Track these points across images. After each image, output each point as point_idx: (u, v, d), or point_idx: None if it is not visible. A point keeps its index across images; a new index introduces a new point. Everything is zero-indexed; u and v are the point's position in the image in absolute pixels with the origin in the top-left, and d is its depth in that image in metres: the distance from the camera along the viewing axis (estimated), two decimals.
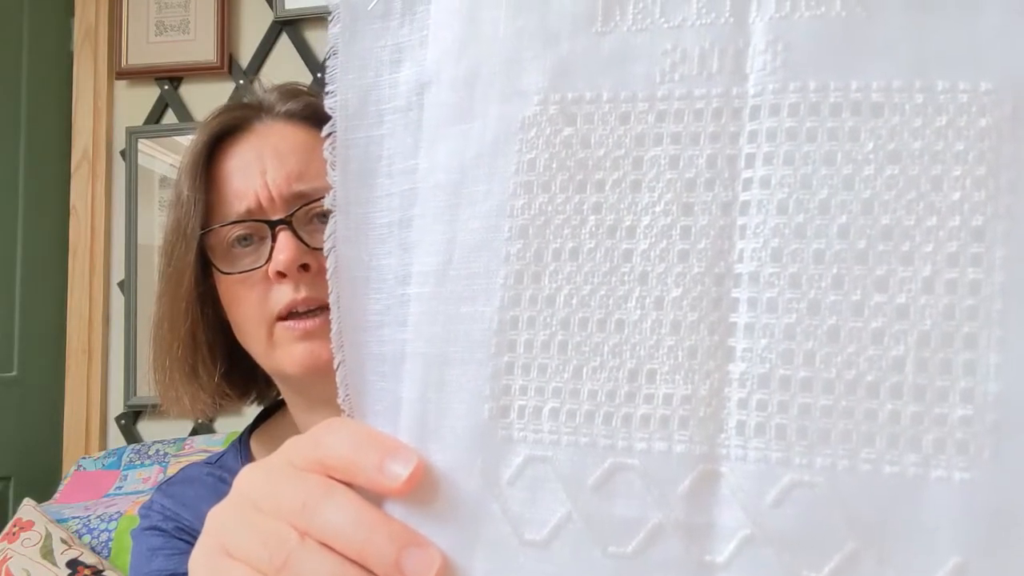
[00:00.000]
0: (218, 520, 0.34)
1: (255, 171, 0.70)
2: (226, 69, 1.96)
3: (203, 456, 1.20)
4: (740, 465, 0.27)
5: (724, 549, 0.27)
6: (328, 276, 0.33)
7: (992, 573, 0.25)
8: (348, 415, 0.33)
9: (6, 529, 1.53)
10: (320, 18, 1.92)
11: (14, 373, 1.89)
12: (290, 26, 1.95)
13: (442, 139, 0.31)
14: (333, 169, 0.33)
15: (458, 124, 0.31)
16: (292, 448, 0.33)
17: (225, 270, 0.70)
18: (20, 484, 1.86)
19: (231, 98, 1.93)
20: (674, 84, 0.28)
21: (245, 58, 1.97)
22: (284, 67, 1.91)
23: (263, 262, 0.68)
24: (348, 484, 0.31)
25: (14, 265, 1.90)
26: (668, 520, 0.28)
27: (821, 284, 0.27)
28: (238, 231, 0.70)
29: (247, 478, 0.34)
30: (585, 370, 0.29)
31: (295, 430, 0.77)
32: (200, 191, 0.70)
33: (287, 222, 0.68)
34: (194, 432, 1.88)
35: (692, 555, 0.27)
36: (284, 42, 1.96)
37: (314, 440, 0.33)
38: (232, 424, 1.86)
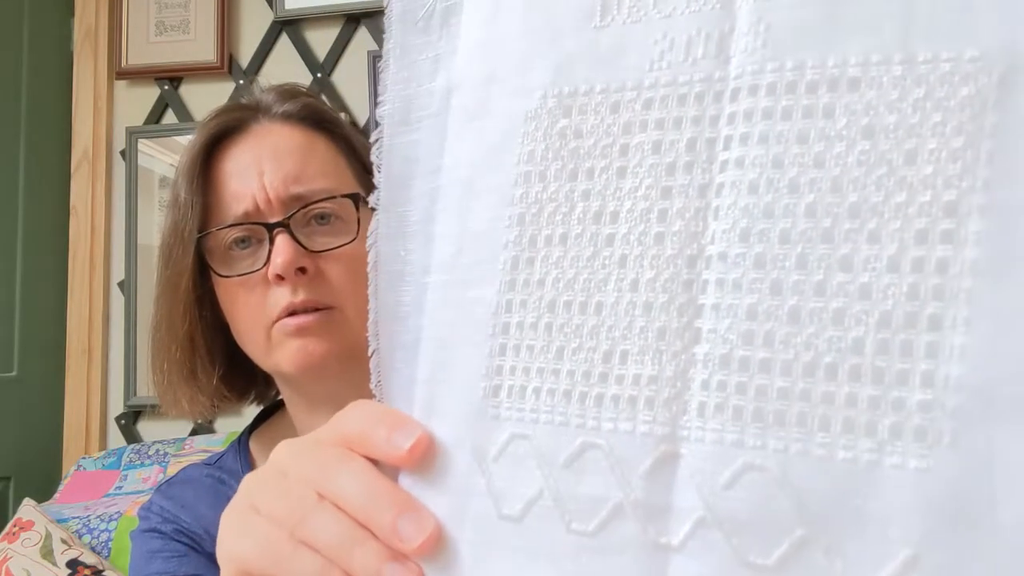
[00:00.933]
0: (251, 483, 0.38)
1: (252, 173, 0.70)
2: (226, 69, 1.96)
3: (203, 456, 1.20)
4: (698, 447, 0.27)
5: (679, 531, 0.27)
6: (368, 270, 0.36)
7: (945, 567, 0.23)
8: (379, 400, 0.36)
9: (6, 529, 1.52)
10: (320, 18, 1.93)
11: (14, 373, 1.89)
12: (290, 26, 1.95)
13: (461, 138, 0.33)
14: (379, 172, 0.36)
15: (475, 122, 0.33)
16: (323, 427, 0.36)
17: (223, 273, 0.70)
18: (20, 484, 1.86)
19: (231, 98, 1.93)
20: (661, 72, 0.29)
21: (245, 58, 1.97)
22: (284, 67, 1.92)
23: (261, 265, 0.68)
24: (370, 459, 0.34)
25: (14, 265, 1.90)
26: (628, 500, 0.28)
27: (785, 264, 0.26)
28: (236, 233, 0.70)
29: (280, 451, 0.37)
30: (566, 351, 0.30)
31: (294, 431, 0.77)
32: (198, 194, 0.70)
33: (285, 225, 0.68)
34: (194, 432, 1.88)
35: (648, 536, 0.27)
36: (284, 42, 1.96)
37: (337, 419, 0.36)
38: (232, 424, 1.86)
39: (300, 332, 0.67)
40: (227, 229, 0.70)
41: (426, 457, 0.32)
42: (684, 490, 0.27)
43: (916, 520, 0.24)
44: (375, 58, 1.88)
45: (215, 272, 0.70)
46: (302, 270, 0.67)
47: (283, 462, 0.36)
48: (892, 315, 0.25)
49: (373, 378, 0.36)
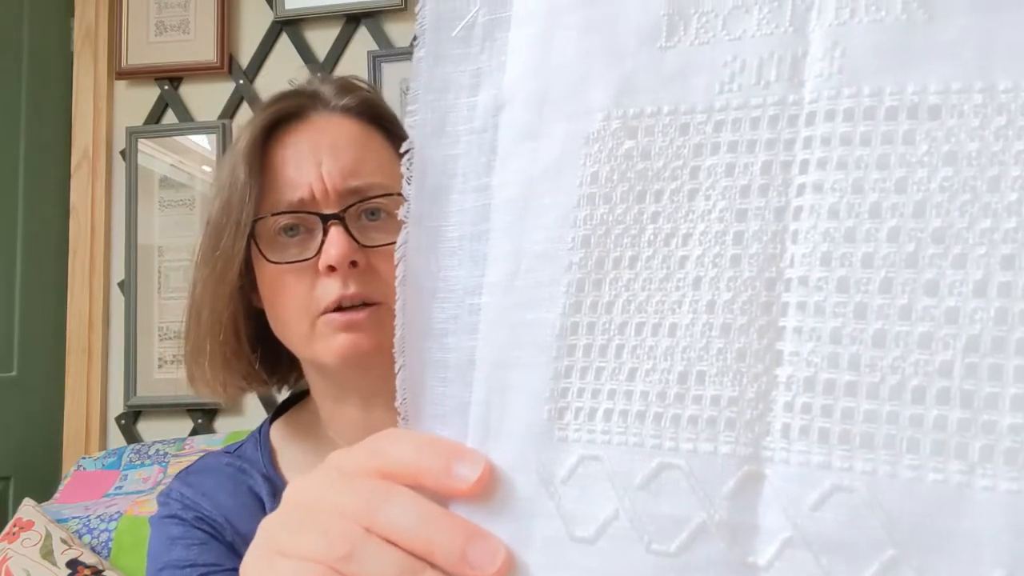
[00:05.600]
0: (270, 526, 0.35)
1: (311, 163, 0.70)
2: (226, 69, 1.96)
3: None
4: (783, 468, 0.27)
5: (766, 551, 0.27)
6: (396, 283, 0.34)
7: None
8: (404, 418, 0.34)
9: (6, 529, 1.52)
10: (320, 18, 1.93)
11: (14, 373, 1.89)
12: (290, 26, 1.95)
13: (513, 157, 0.32)
14: (409, 184, 0.34)
15: (527, 142, 0.32)
16: (345, 458, 0.34)
17: (273, 259, 0.70)
18: (20, 484, 1.86)
19: (231, 98, 1.93)
20: (732, 94, 0.29)
21: (245, 58, 1.97)
22: (284, 67, 1.91)
23: (312, 254, 0.68)
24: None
25: (14, 265, 1.90)
26: (712, 520, 0.28)
27: (868, 288, 0.26)
28: (287, 221, 0.70)
29: (298, 487, 0.35)
30: (639, 372, 0.29)
31: (315, 422, 0.77)
32: (256, 176, 0.70)
33: (340, 217, 0.68)
34: (194, 432, 1.88)
35: (735, 555, 0.27)
36: (284, 42, 1.96)
37: (371, 449, 0.33)
38: (232, 424, 1.87)
39: (349, 327, 0.67)
40: (279, 216, 0.70)
41: (488, 485, 0.31)
42: (770, 511, 0.27)
43: (1008, 541, 0.24)
44: (375, 58, 1.88)
45: (265, 257, 0.70)
46: (353, 264, 0.67)
47: (307, 499, 0.34)
48: (980, 339, 0.25)
49: (399, 396, 0.34)
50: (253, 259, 0.72)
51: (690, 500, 0.28)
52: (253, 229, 0.70)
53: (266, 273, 0.71)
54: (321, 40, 1.94)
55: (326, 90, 0.75)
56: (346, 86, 0.76)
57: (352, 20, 1.92)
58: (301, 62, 1.93)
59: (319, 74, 0.80)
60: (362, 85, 0.78)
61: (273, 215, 0.70)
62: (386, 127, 0.75)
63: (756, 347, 0.28)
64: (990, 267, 0.25)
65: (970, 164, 0.26)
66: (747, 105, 0.29)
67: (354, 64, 1.90)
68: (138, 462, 1.72)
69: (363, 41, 1.92)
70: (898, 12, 0.27)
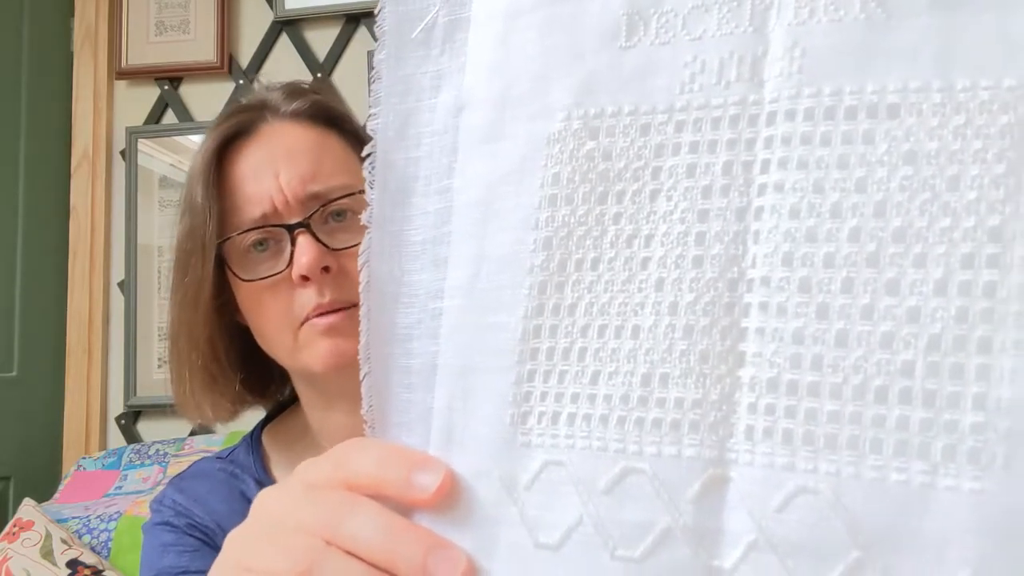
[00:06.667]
0: (236, 541, 0.34)
1: (268, 174, 0.70)
2: (226, 69, 1.96)
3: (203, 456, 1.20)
4: (748, 470, 0.27)
5: (731, 554, 0.27)
6: (360, 290, 0.34)
7: None
8: (370, 426, 0.34)
9: (6, 529, 1.52)
10: (320, 18, 1.93)
11: (14, 373, 1.89)
12: (290, 26, 1.95)
13: (474, 158, 0.32)
14: (371, 188, 0.34)
15: (488, 144, 0.32)
16: (309, 470, 0.34)
17: (245, 277, 0.70)
18: (20, 484, 1.86)
19: (231, 97, 1.93)
20: (693, 94, 0.29)
21: (245, 58, 1.97)
22: (284, 67, 1.91)
23: (284, 267, 0.68)
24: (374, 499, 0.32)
25: (14, 265, 1.90)
26: (677, 524, 0.27)
27: (831, 288, 0.26)
28: (254, 237, 0.69)
29: (265, 500, 0.35)
30: (601, 375, 0.29)
31: (306, 426, 0.77)
32: (214, 198, 0.69)
33: (306, 225, 0.68)
34: (194, 432, 1.88)
35: (700, 559, 0.27)
36: (284, 42, 1.96)
37: (334, 460, 0.33)
38: (232, 424, 1.86)
39: (331, 331, 0.67)
40: (246, 233, 0.69)
41: (450, 494, 0.31)
42: (735, 514, 0.27)
43: (973, 541, 0.24)
44: None
45: (238, 277, 0.70)
46: (326, 269, 0.67)
47: (273, 513, 0.34)
48: (941, 338, 0.25)
49: (365, 403, 0.34)
50: (229, 278, 0.72)
51: (655, 505, 0.28)
52: (222, 249, 0.70)
53: (242, 291, 0.71)
54: (321, 40, 1.94)
55: (274, 97, 0.75)
56: (294, 91, 0.76)
57: (352, 20, 1.92)
58: (301, 62, 1.93)
59: (264, 83, 0.79)
60: (309, 87, 0.78)
61: (239, 233, 0.69)
62: (340, 126, 0.75)
63: (719, 348, 0.27)
64: (950, 266, 0.25)
65: (929, 163, 0.25)
66: (708, 105, 0.28)
67: (354, 64, 1.90)
68: (138, 462, 1.72)
69: (363, 41, 1.92)
70: (856, 12, 0.26)
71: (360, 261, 0.34)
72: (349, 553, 0.31)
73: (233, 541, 0.35)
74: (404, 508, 0.32)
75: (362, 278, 0.34)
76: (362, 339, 0.34)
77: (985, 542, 0.24)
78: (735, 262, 0.28)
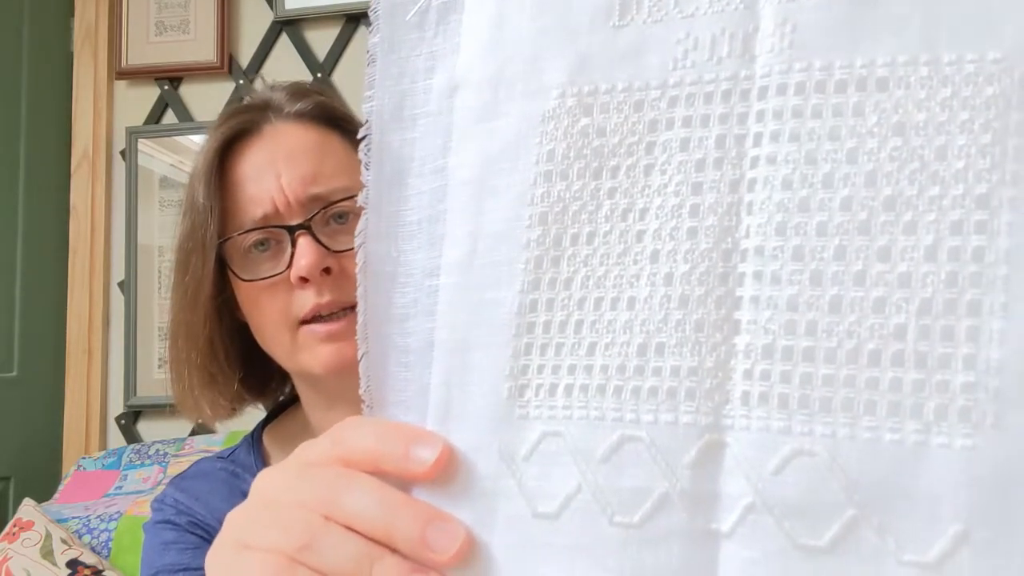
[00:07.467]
0: (235, 519, 0.35)
1: (270, 175, 0.70)
2: (226, 69, 1.96)
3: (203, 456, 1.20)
4: (744, 435, 0.27)
5: (728, 518, 0.27)
6: (357, 271, 0.34)
7: (994, 541, 0.24)
8: (368, 405, 0.34)
9: (6, 529, 1.53)
10: (320, 18, 1.93)
11: (14, 373, 1.90)
12: (290, 26, 1.95)
13: (469, 138, 0.32)
14: (367, 170, 0.34)
15: (484, 123, 0.32)
16: (308, 449, 0.34)
17: (246, 277, 0.70)
18: (20, 484, 1.86)
19: (231, 97, 1.93)
20: (685, 70, 0.29)
21: (245, 58, 1.97)
22: (284, 67, 1.92)
23: (284, 268, 0.68)
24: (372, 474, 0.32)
25: (14, 265, 1.90)
26: (674, 490, 0.28)
27: (823, 255, 0.27)
28: (255, 237, 0.70)
29: (264, 480, 0.35)
30: (598, 347, 0.30)
31: (307, 426, 0.77)
32: (215, 198, 0.70)
33: (306, 227, 0.68)
34: (194, 432, 1.88)
35: (697, 524, 0.28)
36: (284, 42, 1.96)
37: (332, 438, 0.34)
38: (232, 424, 1.86)
39: (332, 338, 0.67)
40: (247, 233, 0.69)
41: (448, 467, 0.31)
42: (732, 477, 0.27)
43: (965, 496, 0.25)
44: None
45: (238, 277, 0.70)
46: (326, 270, 0.67)
47: (271, 492, 0.34)
48: (932, 302, 0.26)
49: (363, 383, 0.34)
50: (230, 278, 0.72)
51: (652, 471, 0.28)
52: (222, 249, 0.70)
53: (242, 291, 0.72)
54: (321, 40, 1.94)
55: (277, 97, 0.75)
56: (298, 91, 0.76)
57: (352, 20, 1.92)
58: (301, 62, 1.93)
59: (269, 82, 0.79)
60: (313, 88, 0.78)
61: (240, 234, 0.70)
62: (343, 128, 0.75)
63: (714, 317, 0.28)
64: (940, 232, 0.26)
65: (918, 134, 0.26)
66: (700, 80, 0.29)
67: (354, 64, 1.91)
68: (138, 462, 1.72)
69: (363, 41, 1.92)
70: None
71: (356, 243, 0.34)
72: (348, 528, 0.31)
73: (232, 520, 0.35)
74: (403, 484, 0.32)
75: (358, 260, 0.34)
76: (359, 320, 0.34)
77: (977, 496, 0.24)
78: (729, 233, 0.28)
